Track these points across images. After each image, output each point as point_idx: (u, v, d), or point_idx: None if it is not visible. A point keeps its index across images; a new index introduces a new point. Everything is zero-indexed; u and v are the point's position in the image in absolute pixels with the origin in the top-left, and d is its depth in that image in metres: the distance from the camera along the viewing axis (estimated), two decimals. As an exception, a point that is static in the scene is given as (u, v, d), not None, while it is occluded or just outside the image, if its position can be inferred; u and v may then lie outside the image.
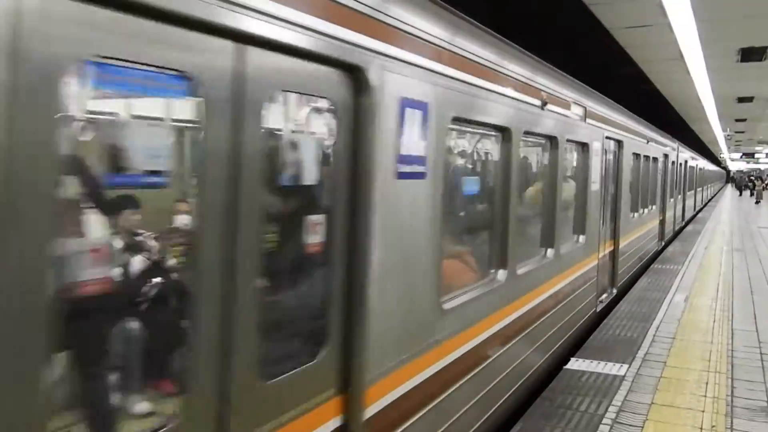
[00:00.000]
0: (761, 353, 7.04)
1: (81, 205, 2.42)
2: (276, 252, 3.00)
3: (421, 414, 3.70)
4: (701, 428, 5.02)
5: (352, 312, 3.03)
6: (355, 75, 2.98)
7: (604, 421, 5.15)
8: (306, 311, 3.12)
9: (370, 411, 3.14)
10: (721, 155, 63.03)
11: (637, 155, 11.50)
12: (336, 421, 2.96)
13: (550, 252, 6.35)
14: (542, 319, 6.07)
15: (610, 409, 5.39)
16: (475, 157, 5.57)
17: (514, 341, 5.26)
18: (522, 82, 5.31)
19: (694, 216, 27.49)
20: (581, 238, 7.65)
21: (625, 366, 6.50)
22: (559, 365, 6.61)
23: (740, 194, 56.23)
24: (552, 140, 6.42)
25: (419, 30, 3.57)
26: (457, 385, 4.19)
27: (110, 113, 2.58)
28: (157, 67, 2.10)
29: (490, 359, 4.73)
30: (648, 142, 12.92)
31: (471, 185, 5.28)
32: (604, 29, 9.88)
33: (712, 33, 10.02)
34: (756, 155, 58.18)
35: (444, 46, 3.87)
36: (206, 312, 2.29)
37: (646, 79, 15.32)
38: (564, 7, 9.08)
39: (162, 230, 2.91)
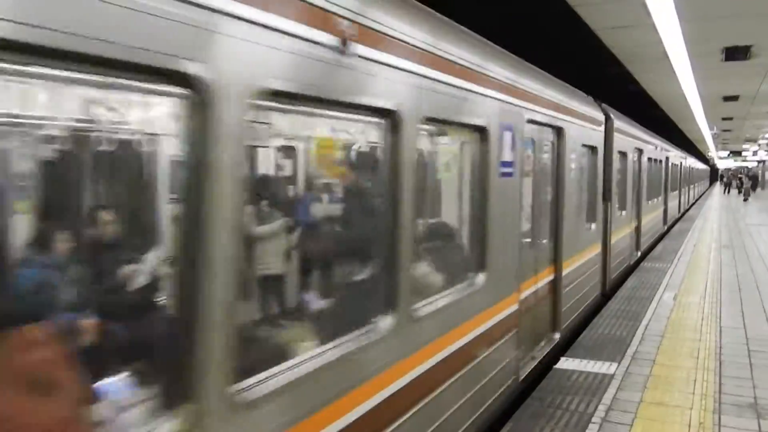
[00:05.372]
0: (749, 350, 7.09)
1: None
2: None
3: None
4: (689, 425, 5.06)
5: None
6: None
7: (594, 419, 5.18)
8: None
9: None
10: (709, 153, 63.44)
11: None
12: None
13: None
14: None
15: (600, 407, 5.42)
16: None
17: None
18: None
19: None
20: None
21: (615, 364, 6.53)
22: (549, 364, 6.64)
23: (726, 192, 54.75)
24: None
25: None
26: None
27: None
28: None
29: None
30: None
31: None
32: (590, 30, 9.93)
33: (696, 33, 10.09)
34: (743, 153, 58.54)
35: None
36: None
37: (633, 79, 15.41)
38: (549, 8, 9.13)
39: None
